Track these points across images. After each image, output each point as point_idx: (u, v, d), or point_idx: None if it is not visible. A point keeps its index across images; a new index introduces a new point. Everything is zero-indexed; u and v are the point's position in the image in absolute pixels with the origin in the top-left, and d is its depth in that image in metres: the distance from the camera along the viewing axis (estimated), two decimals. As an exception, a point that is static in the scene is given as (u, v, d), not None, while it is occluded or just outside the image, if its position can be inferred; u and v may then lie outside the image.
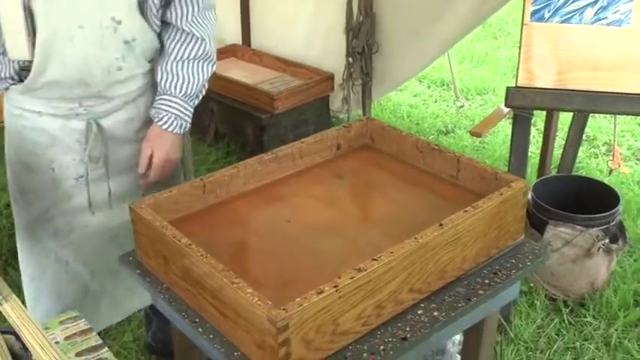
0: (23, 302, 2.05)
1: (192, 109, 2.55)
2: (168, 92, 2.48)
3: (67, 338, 2.03)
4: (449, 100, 6.45)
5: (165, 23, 2.45)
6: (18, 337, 1.63)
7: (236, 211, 2.20)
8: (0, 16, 2.19)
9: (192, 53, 2.47)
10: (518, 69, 3.15)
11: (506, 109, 4.09)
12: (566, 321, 3.58)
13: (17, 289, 2.37)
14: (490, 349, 2.41)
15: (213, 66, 2.55)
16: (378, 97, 5.61)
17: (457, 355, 2.99)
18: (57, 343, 1.99)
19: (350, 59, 5.18)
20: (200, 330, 1.84)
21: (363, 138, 2.55)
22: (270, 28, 5.89)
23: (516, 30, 7.68)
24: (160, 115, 2.48)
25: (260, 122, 5.04)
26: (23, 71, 2.29)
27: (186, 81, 2.48)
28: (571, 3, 3.10)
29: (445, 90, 6.66)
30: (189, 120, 2.55)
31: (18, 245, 2.60)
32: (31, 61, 2.24)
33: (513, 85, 3.19)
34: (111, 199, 2.55)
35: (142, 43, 2.37)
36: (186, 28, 2.43)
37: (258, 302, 1.61)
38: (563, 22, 3.11)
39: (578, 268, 3.58)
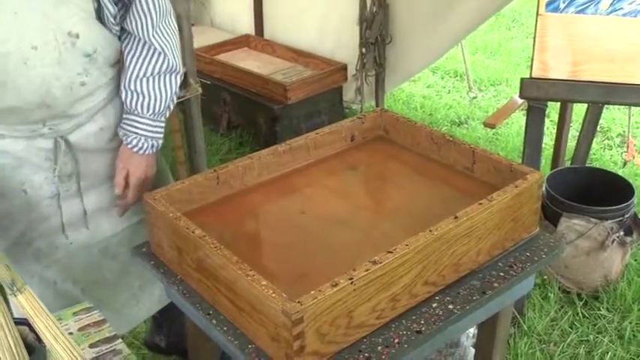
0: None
1: (163, 124, 2.43)
2: (135, 112, 2.36)
3: (80, 329, 2.03)
4: (462, 91, 6.43)
5: (124, 30, 2.30)
6: (32, 328, 1.63)
7: (250, 203, 2.20)
8: None
9: (156, 69, 2.33)
10: (532, 60, 3.13)
11: (520, 100, 4.07)
12: (580, 314, 3.56)
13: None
14: (504, 342, 2.40)
15: (179, 77, 2.40)
16: (391, 88, 5.60)
17: (471, 348, 2.98)
18: (70, 334, 1.99)
19: (363, 50, 5.17)
20: (214, 322, 1.83)
21: (377, 129, 2.54)
22: (282, 19, 5.89)
23: (529, 21, 7.66)
24: (129, 139, 2.37)
25: (273, 112, 5.03)
26: None
27: (153, 98, 2.35)
28: (587, -7, 3.08)
29: (458, 81, 6.64)
30: (161, 136, 2.44)
31: None
32: None
33: (526, 76, 3.17)
34: (86, 218, 2.44)
35: (103, 51, 2.22)
36: (147, 40, 2.28)
37: (273, 295, 1.61)
38: (578, 12, 3.08)
39: (592, 261, 3.57)
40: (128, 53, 2.32)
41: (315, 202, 2.22)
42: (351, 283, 1.65)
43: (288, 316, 1.56)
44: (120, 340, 1.99)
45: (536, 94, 3.15)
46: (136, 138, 2.37)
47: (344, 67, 5.33)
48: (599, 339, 3.41)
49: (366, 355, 1.72)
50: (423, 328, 1.80)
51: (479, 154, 2.24)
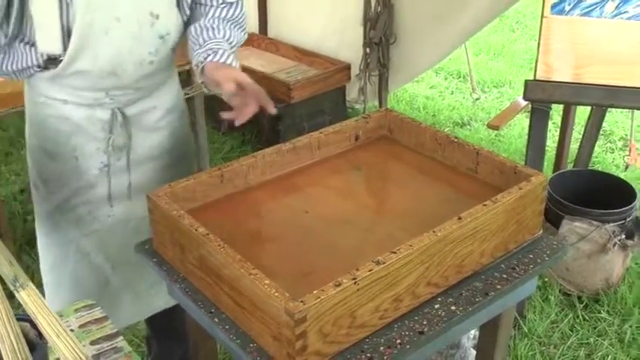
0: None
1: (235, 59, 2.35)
2: (212, 38, 2.30)
3: (81, 326, 2.03)
4: (465, 92, 6.44)
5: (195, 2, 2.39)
6: (33, 325, 1.62)
7: (254, 201, 2.19)
8: (32, 7, 2.11)
9: (229, 14, 2.38)
10: (537, 62, 3.13)
11: (524, 102, 4.07)
12: (581, 316, 3.56)
13: (30, 275, 2.33)
14: (506, 344, 2.39)
15: (244, 34, 2.45)
16: (394, 88, 5.60)
17: (472, 349, 2.98)
18: (72, 331, 1.99)
19: (367, 50, 5.17)
20: (216, 320, 1.83)
21: (381, 129, 2.53)
22: (287, 18, 5.90)
23: (533, 23, 7.66)
24: (219, 52, 2.25)
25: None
26: (50, 60, 2.21)
27: (227, 33, 2.34)
28: (592, -4, 3.08)
29: (461, 82, 6.64)
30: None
31: (38, 233, 2.54)
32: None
33: (530, 77, 3.17)
34: (130, 191, 2.49)
35: (174, 36, 2.32)
36: (215, 3, 2.37)
37: (276, 294, 1.60)
38: (583, 15, 3.09)
39: (593, 264, 3.57)
40: (200, 7, 2.40)
41: (318, 201, 2.21)
42: (355, 283, 1.64)
43: (291, 315, 1.55)
44: (121, 337, 1.99)
45: (540, 96, 3.15)
46: (221, 50, 2.27)
47: (347, 67, 5.33)
48: (600, 342, 3.41)
49: (369, 355, 1.72)
50: (426, 329, 1.80)
51: (483, 156, 2.24)
